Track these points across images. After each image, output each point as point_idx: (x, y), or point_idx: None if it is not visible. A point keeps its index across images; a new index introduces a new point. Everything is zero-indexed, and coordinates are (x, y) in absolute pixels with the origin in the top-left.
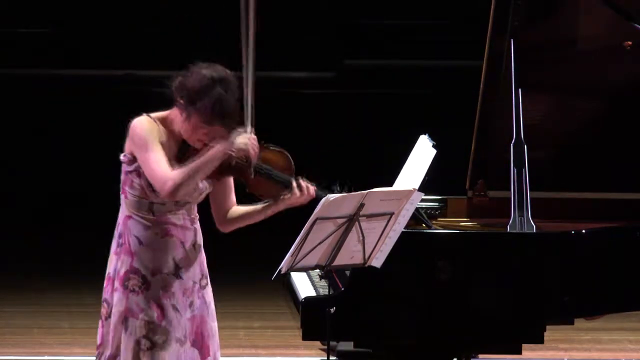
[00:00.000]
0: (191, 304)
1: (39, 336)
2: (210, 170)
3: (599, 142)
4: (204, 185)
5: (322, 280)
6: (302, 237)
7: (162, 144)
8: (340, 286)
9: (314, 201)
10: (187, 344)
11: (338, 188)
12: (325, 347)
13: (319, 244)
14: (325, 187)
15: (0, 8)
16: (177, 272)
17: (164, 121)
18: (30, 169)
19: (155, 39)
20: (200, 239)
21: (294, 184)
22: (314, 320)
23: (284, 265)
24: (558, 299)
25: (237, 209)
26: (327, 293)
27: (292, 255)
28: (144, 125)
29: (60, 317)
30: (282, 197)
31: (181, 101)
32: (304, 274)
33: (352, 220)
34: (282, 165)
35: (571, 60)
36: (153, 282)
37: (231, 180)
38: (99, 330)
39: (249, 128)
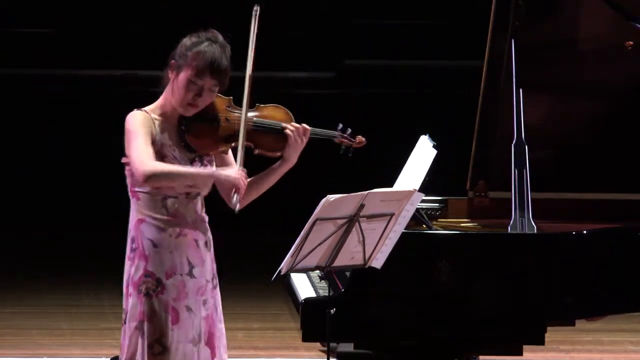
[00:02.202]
0: (205, 302)
1: (37, 337)
2: (191, 181)
3: (600, 143)
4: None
5: (322, 281)
6: (302, 238)
7: (160, 129)
8: (341, 287)
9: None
10: (201, 343)
11: (340, 126)
12: (326, 348)
13: (319, 244)
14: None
15: (0, 8)
16: (190, 271)
17: (156, 109)
18: (30, 169)
19: (156, 39)
20: (210, 236)
21: (288, 125)
22: (314, 321)
23: (283, 266)
24: (559, 300)
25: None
26: (327, 294)
27: (292, 256)
28: (132, 119)
29: (59, 318)
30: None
31: (173, 62)
32: (303, 275)
33: (352, 220)
34: (280, 117)
35: (572, 61)
36: (168, 284)
37: (231, 157)
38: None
39: (238, 165)
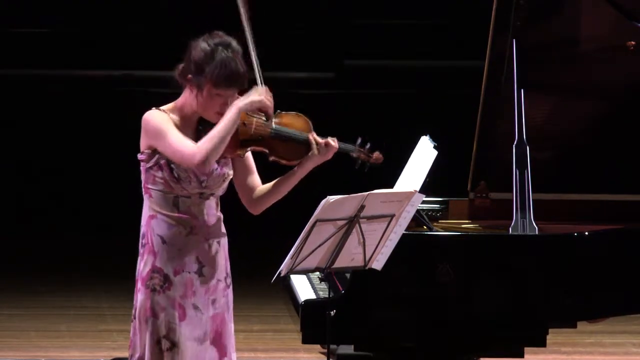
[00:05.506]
0: (214, 302)
1: (36, 339)
2: (232, 130)
3: (601, 143)
4: (226, 171)
5: (322, 282)
6: (302, 239)
7: (179, 130)
8: (341, 289)
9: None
10: (207, 342)
11: (360, 141)
12: (325, 350)
13: (319, 246)
14: (346, 141)
15: (0, 8)
16: (200, 270)
17: (174, 110)
18: (29, 169)
19: (155, 39)
20: (224, 237)
21: (311, 138)
22: (314, 323)
23: (283, 267)
24: (560, 302)
25: (265, 186)
26: (327, 296)
27: (291, 258)
28: (155, 116)
29: (57, 320)
30: (305, 156)
31: (189, 77)
32: (303, 277)
33: (352, 222)
34: (300, 126)
35: (573, 61)
36: (175, 281)
37: (251, 159)
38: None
39: (260, 84)
